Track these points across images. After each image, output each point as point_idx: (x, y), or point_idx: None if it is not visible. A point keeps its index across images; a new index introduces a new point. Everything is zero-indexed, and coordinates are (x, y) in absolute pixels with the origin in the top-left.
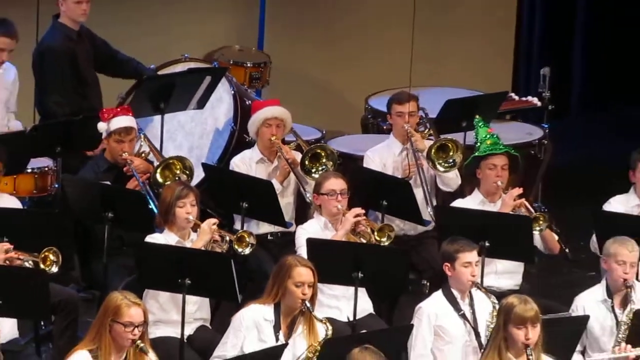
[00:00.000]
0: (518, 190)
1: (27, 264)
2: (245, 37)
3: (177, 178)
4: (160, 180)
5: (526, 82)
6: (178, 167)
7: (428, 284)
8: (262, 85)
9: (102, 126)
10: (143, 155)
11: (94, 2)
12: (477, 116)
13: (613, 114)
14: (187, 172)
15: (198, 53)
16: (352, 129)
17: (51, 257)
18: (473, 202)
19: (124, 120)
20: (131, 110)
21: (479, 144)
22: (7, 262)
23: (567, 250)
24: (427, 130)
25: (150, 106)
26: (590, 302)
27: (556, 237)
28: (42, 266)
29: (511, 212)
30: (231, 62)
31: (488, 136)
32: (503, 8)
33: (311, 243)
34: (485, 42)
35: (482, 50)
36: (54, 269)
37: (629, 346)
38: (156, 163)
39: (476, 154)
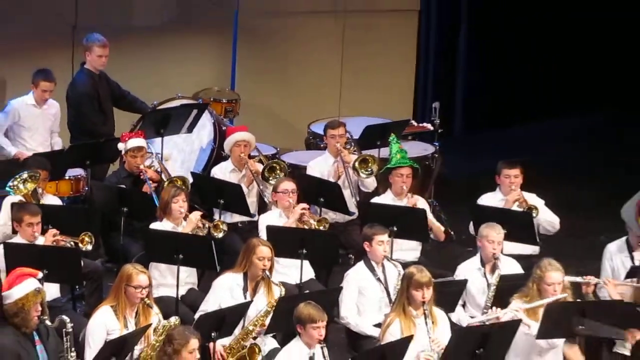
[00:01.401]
0: (419, 199)
1: (68, 245)
2: (221, 81)
3: (178, 183)
4: (166, 182)
5: (422, 113)
6: (179, 182)
7: (353, 257)
8: (234, 115)
9: (121, 146)
10: (152, 167)
11: (111, 55)
12: (393, 134)
13: (485, 135)
14: (185, 187)
15: (187, 92)
16: (298, 146)
17: (87, 239)
18: (386, 199)
19: (137, 141)
20: (143, 134)
21: (391, 157)
22: (54, 243)
23: (452, 232)
24: (352, 147)
25: (154, 131)
26: (468, 270)
27: (443, 229)
28: (80, 246)
29: (413, 207)
30: (212, 99)
31: (398, 151)
32: (405, 59)
33: (269, 228)
34: (393, 83)
35: (391, 89)
36: (89, 247)
37: (498, 309)
38: (163, 175)
39: (389, 165)
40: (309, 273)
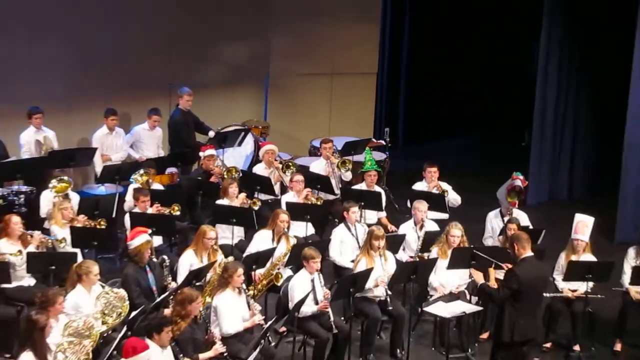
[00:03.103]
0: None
1: (166, 212)
2: (258, 114)
3: (232, 175)
4: (226, 176)
5: (379, 134)
6: (233, 170)
7: (337, 221)
8: (266, 135)
9: (202, 154)
10: (217, 167)
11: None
12: (368, 148)
13: (416, 148)
14: (236, 173)
15: (238, 121)
16: (304, 154)
17: (176, 207)
18: (360, 187)
19: (211, 151)
20: (213, 146)
21: (365, 163)
22: (157, 211)
23: (396, 206)
24: (336, 154)
25: (218, 145)
26: (406, 228)
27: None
28: (172, 212)
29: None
30: (253, 126)
31: (370, 160)
32: (368, 101)
33: (287, 204)
34: (361, 116)
35: (360, 119)
36: (178, 213)
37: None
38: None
39: (363, 169)
40: (311, 230)
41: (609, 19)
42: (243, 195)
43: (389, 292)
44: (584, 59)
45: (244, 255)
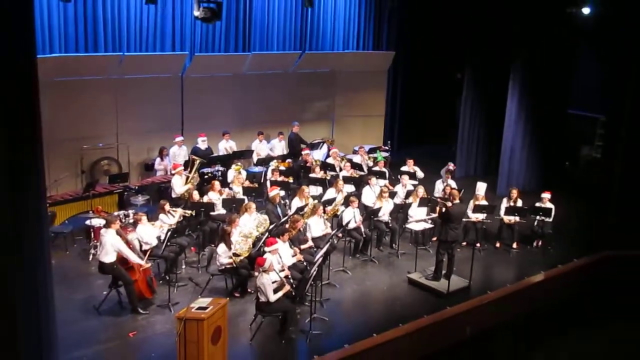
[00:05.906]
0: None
1: (286, 180)
2: (328, 134)
3: (317, 163)
4: (314, 163)
5: (385, 143)
6: (317, 161)
7: (366, 184)
8: (333, 144)
9: (303, 152)
10: (310, 159)
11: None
12: (378, 150)
13: (403, 150)
14: (318, 162)
15: (319, 138)
16: (350, 153)
17: (291, 178)
18: (376, 169)
19: (307, 151)
20: (308, 149)
21: (377, 157)
22: (282, 180)
23: (393, 177)
24: (365, 153)
25: (311, 148)
26: (397, 188)
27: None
28: (289, 180)
29: (382, 170)
30: (327, 139)
31: (379, 155)
32: (379, 133)
33: (342, 177)
34: (376, 134)
35: (376, 136)
36: (291, 180)
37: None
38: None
39: (377, 160)
40: (353, 189)
41: (497, 83)
42: (322, 172)
43: (389, 217)
44: (484, 101)
45: (322, 200)
